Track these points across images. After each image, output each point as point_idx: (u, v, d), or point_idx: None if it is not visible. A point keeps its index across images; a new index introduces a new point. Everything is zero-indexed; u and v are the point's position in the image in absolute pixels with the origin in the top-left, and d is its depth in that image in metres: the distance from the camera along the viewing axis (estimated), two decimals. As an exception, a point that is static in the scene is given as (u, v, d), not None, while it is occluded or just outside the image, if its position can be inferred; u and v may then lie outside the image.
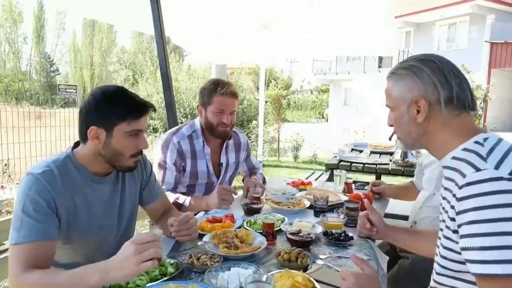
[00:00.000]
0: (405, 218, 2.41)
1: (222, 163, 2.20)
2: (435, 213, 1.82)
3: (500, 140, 0.94)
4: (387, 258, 1.52)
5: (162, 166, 2.04)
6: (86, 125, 1.25)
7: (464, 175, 0.88)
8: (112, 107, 1.25)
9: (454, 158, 0.97)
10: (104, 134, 1.26)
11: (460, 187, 0.87)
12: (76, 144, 1.35)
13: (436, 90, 0.98)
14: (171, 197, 1.92)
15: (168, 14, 2.94)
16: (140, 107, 1.29)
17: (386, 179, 4.28)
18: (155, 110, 1.34)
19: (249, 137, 9.01)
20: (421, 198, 1.97)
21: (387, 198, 2.28)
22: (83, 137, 1.28)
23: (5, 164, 6.21)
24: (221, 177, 2.20)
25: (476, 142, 0.94)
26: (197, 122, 2.14)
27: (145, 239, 1.00)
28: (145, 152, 1.43)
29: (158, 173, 2.01)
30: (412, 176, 2.27)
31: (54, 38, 35.94)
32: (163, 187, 1.93)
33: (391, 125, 1.13)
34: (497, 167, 0.85)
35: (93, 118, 1.25)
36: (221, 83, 2.02)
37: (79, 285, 1.03)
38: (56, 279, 1.06)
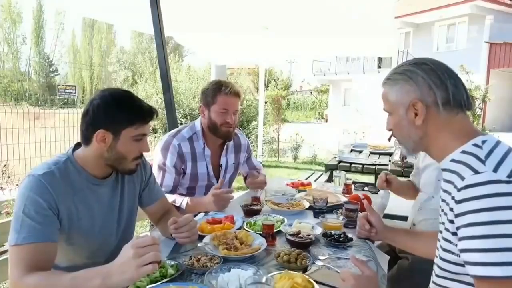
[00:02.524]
0: (404, 218, 2.41)
1: (221, 164, 2.20)
2: (434, 215, 1.82)
3: (498, 142, 0.95)
4: (388, 257, 1.53)
5: (162, 168, 2.03)
6: (93, 127, 1.25)
7: (463, 178, 0.89)
8: (122, 111, 1.26)
9: (453, 160, 0.97)
10: (110, 138, 1.26)
11: (459, 190, 0.88)
12: (76, 146, 1.35)
13: (432, 92, 1.00)
14: (168, 199, 1.91)
15: (169, 14, 2.94)
16: (148, 113, 1.31)
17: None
18: (158, 115, 1.36)
19: (249, 137, 9.01)
20: (420, 200, 1.97)
21: (387, 193, 2.28)
22: (87, 139, 1.28)
23: (4, 165, 6.20)
24: (220, 179, 2.19)
25: (475, 145, 0.95)
26: (198, 123, 2.14)
27: (144, 243, 1.00)
28: (144, 153, 1.44)
29: (157, 176, 2.00)
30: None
31: (53, 38, 35.82)
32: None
33: (390, 130, 1.14)
34: (495, 169, 0.86)
35: (102, 121, 1.25)
36: (224, 83, 2.04)
37: None
38: (56, 282, 1.06)
